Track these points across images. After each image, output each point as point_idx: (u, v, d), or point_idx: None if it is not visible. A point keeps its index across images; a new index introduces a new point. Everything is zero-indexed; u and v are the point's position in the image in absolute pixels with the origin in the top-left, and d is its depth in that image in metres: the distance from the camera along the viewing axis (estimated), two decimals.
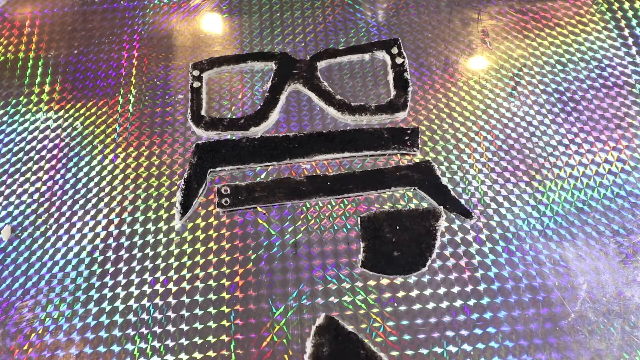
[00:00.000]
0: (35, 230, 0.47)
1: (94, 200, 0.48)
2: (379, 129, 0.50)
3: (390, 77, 0.53)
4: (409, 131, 0.50)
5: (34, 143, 0.52)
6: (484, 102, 0.52)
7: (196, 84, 0.53)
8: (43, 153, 0.51)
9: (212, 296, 0.44)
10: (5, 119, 0.53)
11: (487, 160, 0.49)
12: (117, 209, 0.48)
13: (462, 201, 0.47)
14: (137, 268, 0.45)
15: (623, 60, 0.54)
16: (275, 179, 0.48)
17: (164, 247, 0.46)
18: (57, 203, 0.48)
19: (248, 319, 0.43)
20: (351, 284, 0.44)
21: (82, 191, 0.49)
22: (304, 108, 0.52)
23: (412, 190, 0.48)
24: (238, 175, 0.49)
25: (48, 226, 0.47)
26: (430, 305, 0.43)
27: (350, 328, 0.42)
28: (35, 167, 0.50)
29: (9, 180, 0.50)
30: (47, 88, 0.55)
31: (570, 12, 0.57)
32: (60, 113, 0.53)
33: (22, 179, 0.50)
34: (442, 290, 0.43)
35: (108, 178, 0.49)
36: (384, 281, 0.44)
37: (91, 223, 0.47)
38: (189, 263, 0.45)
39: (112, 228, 0.47)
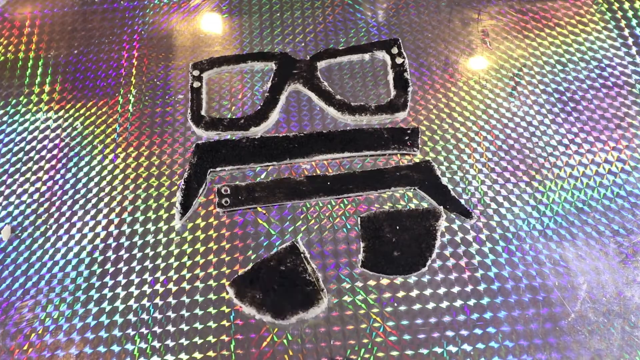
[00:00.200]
0: (35, 230, 0.47)
1: (94, 200, 0.48)
2: (379, 129, 0.50)
3: (390, 77, 0.53)
4: (409, 131, 0.50)
5: (34, 143, 0.52)
6: (484, 102, 0.52)
7: (196, 84, 0.53)
8: (43, 153, 0.51)
9: (212, 296, 0.44)
10: (5, 119, 0.53)
11: (487, 160, 0.49)
12: (117, 209, 0.48)
13: (462, 201, 0.47)
14: (137, 268, 0.45)
15: (623, 60, 0.54)
16: (275, 179, 0.48)
17: (164, 247, 0.46)
18: (57, 203, 0.48)
19: (248, 319, 0.43)
20: (351, 284, 0.44)
21: (82, 191, 0.49)
22: (304, 108, 0.52)
23: (412, 190, 0.48)
24: (238, 176, 0.49)
25: (48, 226, 0.47)
26: (430, 305, 0.43)
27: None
28: (35, 167, 0.50)
29: (9, 180, 0.50)
30: (47, 88, 0.55)
31: (570, 12, 0.57)
32: (60, 113, 0.53)
33: (22, 179, 0.50)
34: (442, 290, 0.43)
35: (108, 178, 0.49)
36: (384, 281, 0.44)
37: (91, 223, 0.47)
38: (189, 263, 0.45)
39: (112, 228, 0.47)
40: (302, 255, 0.44)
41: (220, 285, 0.44)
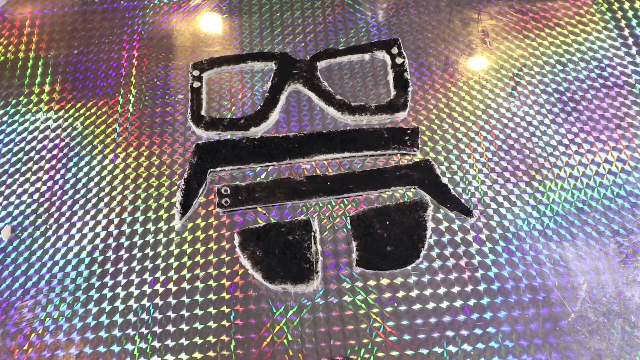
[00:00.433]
0: (35, 230, 0.47)
1: (94, 200, 0.48)
2: (379, 129, 0.50)
3: (390, 77, 0.53)
4: (409, 131, 0.50)
5: (34, 143, 0.52)
6: (484, 102, 0.52)
7: (196, 84, 0.53)
8: (43, 153, 0.51)
9: (212, 296, 0.44)
10: (5, 119, 0.53)
11: (487, 160, 0.49)
12: (117, 209, 0.48)
13: (462, 200, 0.47)
14: (137, 268, 0.45)
15: (623, 60, 0.54)
16: (275, 179, 0.48)
17: (164, 247, 0.46)
18: (57, 203, 0.48)
19: (248, 319, 0.43)
20: (351, 284, 0.44)
21: (82, 191, 0.49)
22: (304, 108, 0.52)
23: (412, 189, 0.48)
24: (238, 176, 0.49)
25: (48, 226, 0.47)
26: (430, 305, 0.43)
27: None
28: (35, 167, 0.50)
29: (9, 180, 0.50)
30: (47, 88, 0.55)
31: (570, 12, 0.57)
32: (60, 113, 0.53)
33: (22, 179, 0.50)
34: (442, 290, 0.43)
35: (108, 178, 0.49)
36: (384, 281, 0.44)
37: (91, 223, 0.47)
38: (189, 263, 0.45)
39: (112, 228, 0.47)
40: (312, 233, 0.45)
41: (220, 286, 0.44)
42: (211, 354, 0.42)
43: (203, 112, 0.52)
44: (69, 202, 0.48)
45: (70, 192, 0.49)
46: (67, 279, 0.45)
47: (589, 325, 0.42)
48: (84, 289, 0.44)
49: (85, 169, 0.50)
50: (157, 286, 0.44)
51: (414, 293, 0.43)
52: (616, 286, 0.43)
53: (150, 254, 0.46)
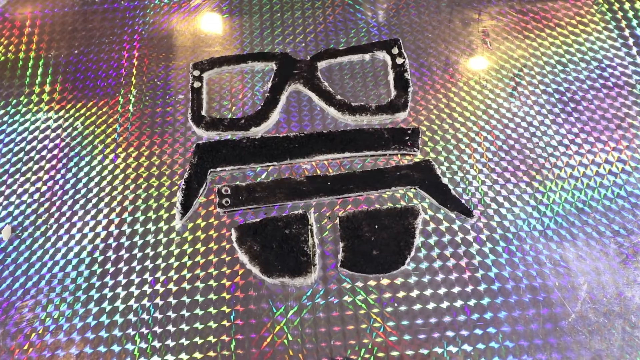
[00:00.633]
0: (36, 230, 0.47)
1: (94, 200, 0.48)
2: (380, 129, 0.50)
3: (391, 77, 0.53)
4: (409, 131, 0.50)
5: (34, 143, 0.52)
6: (484, 103, 0.52)
7: (197, 84, 0.53)
8: (43, 153, 0.51)
9: (212, 296, 0.44)
10: (5, 118, 0.53)
11: (487, 160, 0.49)
12: (118, 209, 0.48)
13: (463, 201, 0.47)
14: (138, 268, 0.45)
15: (623, 60, 0.54)
16: (276, 179, 0.48)
17: (164, 247, 0.46)
18: (58, 203, 0.48)
19: (249, 319, 0.43)
20: (351, 284, 0.44)
21: (83, 191, 0.49)
22: (305, 108, 0.52)
23: (412, 190, 0.48)
24: (238, 176, 0.49)
25: (48, 226, 0.47)
26: (431, 306, 0.43)
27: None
28: (36, 167, 0.50)
29: (10, 180, 0.50)
30: (47, 88, 0.55)
31: (571, 13, 0.57)
32: (61, 113, 0.53)
33: (22, 178, 0.50)
34: (442, 291, 0.43)
35: (108, 178, 0.49)
36: (385, 281, 0.44)
37: (92, 223, 0.47)
38: (189, 263, 0.45)
39: (112, 228, 0.47)
40: (309, 227, 0.45)
41: (220, 286, 0.44)
42: (211, 354, 0.42)
43: (203, 112, 0.52)
44: (69, 202, 0.48)
45: (71, 192, 0.49)
46: (68, 278, 0.45)
47: (589, 326, 0.42)
48: (84, 288, 0.44)
49: (86, 169, 0.50)
50: (158, 286, 0.44)
51: (415, 293, 0.43)
52: (617, 287, 0.43)
53: (151, 253, 0.46)
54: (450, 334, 0.42)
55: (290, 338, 0.42)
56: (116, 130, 0.52)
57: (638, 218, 0.46)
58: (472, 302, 0.43)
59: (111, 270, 0.45)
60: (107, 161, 0.50)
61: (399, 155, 0.49)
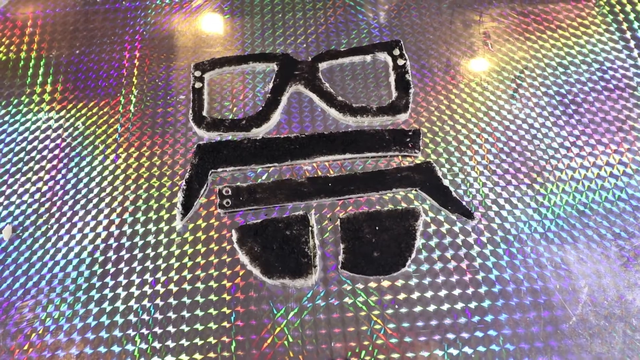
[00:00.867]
0: (37, 230, 0.47)
1: (95, 200, 0.48)
2: (381, 130, 0.50)
3: (392, 78, 0.53)
4: (410, 133, 0.50)
5: (35, 143, 0.52)
6: (485, 105, 0.52)
7: (198, 85, 0.53)
8: (44, 153, 0.51)
9: (213, 297, 0.44)
10: (7, 118, 0.53)
11: (488, 162, 0.49)
12: (119, 209, 0.48)
13: (464, 203, 0.47)
14: (138, 268, 0.45)
15: (625, 62, 0.54)
16: (277, 180, 0.48)
17: (165, 247, 0.46)
18: (59, 203, 0.48)
19: (249, 321, 0.43)
20: (352, 286, 0.44)
21: (84, 191, 0.49)
22: (306, 109, 0.52)
23: (413, 191, 0.48)
24: (239, 177, 0.49)
25: (49, 226, 0.47)
26: (432, 308, 0.43)
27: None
28: (37, 166, 0.50)
29: (10, 180, 0.50)
30: (48, 88, 0.55)
31: (572, 15, 0.57)
32: (62, 113, 0.53)
33: (23, 178, 0.50)
34: (443, 293, 0.43)
35: (109, 178, 0.49)
36: (385, 283, 0.44)
37: (92, 223, 0.47)
38: (190, 264, 0.45)
39: (113, 228, 0.47)
40: (309, 228, 0.45)
41: (221, 287, 0.44)
42: (212, 355, 0.42)
43: (204, 113, 0.52)
44: (70, 202, 0.48)
45: (72, 192, 0.49)
46: (68, 278, 0.45)
47: (590, 329, 0.42)
48: (84, 289, 0.44)
49: (87, 169, 0.50)
50: (158, 287, 0.44)
51: (415, 295, 0.43)
52: (617, 289, 0.43)
53: (151, 254, 0.46)
54: (451, 336, 0.42)
55: (290, 339, 0.42)
56: (117, 130, 0.52)
57: (639, 221, 0.46)
58: (473, 305, 0.43)
59: (112, 270, 0.45)
60: (108, 161, 0.50)
61: (400, 157, 0.49)
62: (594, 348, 0.41)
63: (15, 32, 0.58)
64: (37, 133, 0.52)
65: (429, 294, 0.43)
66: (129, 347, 0.42)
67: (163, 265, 0.45)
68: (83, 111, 0.53)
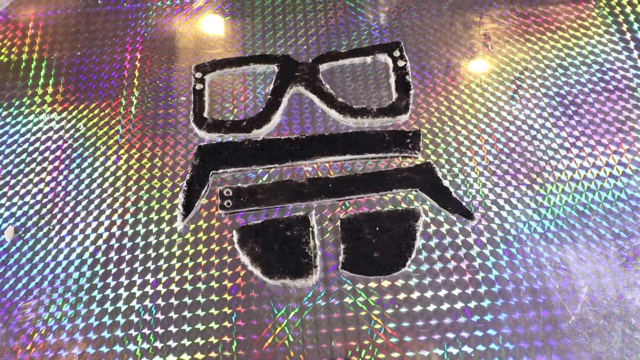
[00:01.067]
0: (38, 231, 0.48)
1: (96, 201, 0.49)
2: (381, 131, 0.51)
3: (392, 80, 0.54)
4: (410, 134, 0.51)
5: (37, 144, 0.52)
6: (485, 106, 0.53)
7: (199, 86, 0.54)
8: (46, 154, 0.52)
9: (214, 297, 0.44)
10: (8, 119, 0.54)
11: (488, 163, 0.50)
12: (120, 210, 0.48)
13: (464, 203, 0.47)
14: (140, 269, 0.46)
15: (625, 64, 0.55)
16: (277, 181, 0.49)
17: (166, 248, 0.47)
18: (60, 204, 0.49)
19: (250, 321, 0.43)
20: (352, 286, 0.45)
21: (85, 192, 0.49)
22: (306, 110, 0.53)
23: (413, 192, 0.48)
24: (240, 177, 0.50)
25: (51, 227, 0.48)
26: (431, 307, 0.43)
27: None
28: (39, 167, 0.51)
29: (12, 181, 0.50)
30: (50, 89, 0.55)
31: (572, 16, 0.58)
32: (63, 114, 0.54)
33: (25, 179, 0.50)
34: (443, 293, 0.44)
35: (110, 179, 0.50)
36: (385, 283, 0.44)
37: (94, 224, 0.48)
38: (191, 264, 0.46)
39: (114, 229, 0.48)
40: (310, 228, 0.46)
41: (222, 287, 0.45)
42: (213, 354, 0.42)
43: (205, 114, 0.53)
44: (71, 203, 0.49)
45: (73, 193, 0.49)
46: (70, 279, 0.46)
47: (589, 328, 0.42)
48: (86, 289, 0.45)
49: (88, 170, 0.51)
50: (159, 287, 0.45)
51: (415, 295, 0.44)
52: (617, 289, 0.44)
53: (153, 255, 0.46)
54: (450, 335, 0.42)
55: (291, 339, 0.43)
56: (118, 131, 0.53)
57: (638, 221, 0.47)
58: (472, 304, 0.43)
59: (113, 271, 0.46)
60: (109, 162, 0.51)
61: (400, 158, 0.50)
62: (593, 347, 0.42)
63: (17, 34, 0.59)
64: (38, 134, 0.53)
65: (428, 293, 0.44)
66: (131, 347, 0.43)
67: (164, 266, 0.46)
68: (84, 112, 0.54)
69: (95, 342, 0.43)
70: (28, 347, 0.43)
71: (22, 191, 0.50)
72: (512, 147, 0.50)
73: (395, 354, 0.42)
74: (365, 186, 0.48)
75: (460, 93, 0.53)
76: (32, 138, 0.53)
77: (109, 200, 0.49)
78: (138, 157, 0.51)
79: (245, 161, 0.50)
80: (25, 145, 0.52)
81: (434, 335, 0.42)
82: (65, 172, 0.51)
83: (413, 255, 0.45)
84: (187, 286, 0.45)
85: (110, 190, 0.50)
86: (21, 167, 0.51)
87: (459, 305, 0.43)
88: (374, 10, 0.59)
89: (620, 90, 0.53)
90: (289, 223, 0.46)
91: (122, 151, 0.51)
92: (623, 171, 0.49)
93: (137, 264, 0.46)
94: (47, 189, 0.50)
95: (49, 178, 0.50)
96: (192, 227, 0.48)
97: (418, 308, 0.43)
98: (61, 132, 0.53)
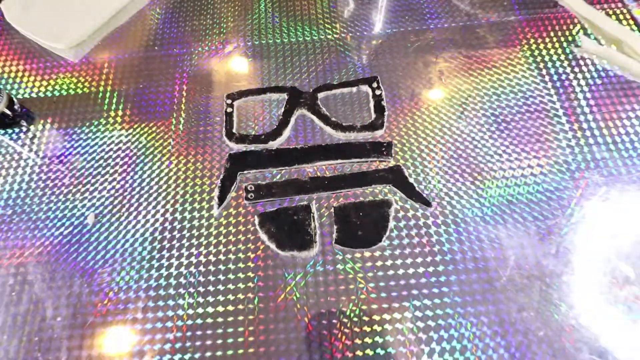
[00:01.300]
0: (112, 217, 0.48)
1: (154, 195, 0.49)
2: (363, 142, 0.51)
3: (371, 104, 0.54)
4: (385, 144, 0.50)
5: (110, 153, 0.52)
6: (440, 123, 0.52)
7: (229, 110, 0.54)
8: (117, 160, 0.51)
9: (241, 265, 0.44)
10: (90, 135, 0.53)
11: (442, 165, 0.49)
12: (172, 201, 0.48)
13: (424, 195, 0.47)
14: (186, 244, 0.46)
15: (542, 92, 0.54)
16: (287, 179, 0.49)
17: (205, 229, 0.46)
18: (128, 197, 0.49)
19: (267, 282, 0.43)
20: (343, 256, 0.44)
21: (146, 188, 0.49)
22: (308, 127, 0.53)
23: (387, 187, 0.48)
24: (260, 177, 0.49)
25: (121, 214, 0.48)
26: (401, 272, 0.43)
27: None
28: (112, 170, 0.51)
29: (93, 180, 0.50)
30: (120, 113, 0.55)
31: (503, 57, 0.57)
32: (129, 131, 0.53)
33: (102, 179, 0.50)
34: (409, 261, 0.44)
35: (165, 179, 0.50)
36: (367, 254, 0.44)
37: (153, 212, 0.48)
38: (224, 241, 0.46)
39: (168, 215, 0.47)
40: (311, 214, 0.46)
41: (247, 257, 0.45)
42: (240, 307, 0.42)
43: (234, 130, 0.52)
44: (136, 196, 0.49)
45: (137, 189, 0.49)
46: (135, 252, 0.45)
47: (516, 286, 0.42)
48: (147, 259, 0.45)
49: (148, 172, 0.50)
50: (201, 257, 0.45)
51: (389, 263, 0.44)
52: (536, 257, 0.44)
53: (196, 234, 0.46)
54: (415, 292, 0.42)
55: (298, 295, 0.43)
56: (170, 143, 0.52)
57: (551, 207, 0.46)
58: (430, 269, 0.43)
59: (167, 246, 0.46)
60: (163, 166, 0.51)
61: (377, 162, 0.50)
62: (519, 299, 0.42)
63: (96, 72, 0.59)
64: (112, 146, 0.52)
65: (398, 261, 0.44)
66: (180, 301, 0.43)
67: (204, 242, 0.46)
68: (145, 129, 0.53)
69: (154, 298, 0.43)
70: (105, 302, 0.43)
71: (100, 187, 0.50)
72: (459, 154, 0.50)
73: (374, 306, 0.42)
74: (352, 182, 0.48)
75: (422, 114, 0.53)
76: (107, 148, 0.52)
77: (163, 194, 0.49)
78: (185, 162, 0.51)
79: (263, 165, 0.50)
80: (102, 154, 0.52)
81: (402, 292, 0.42)
82: (131, 174, 0.50)
83: (387, 234, 0.45)
84: (221, 257, 0.45)
85: (164, 187, 0.49)
86: (99, 170, 0.51)
87: (421, 270, 0.43)
88: (358, 53, 0.59)
89: (538, 112, 0.53)
90: (295, 210, 0.46)
91: (172, 158, 0.51)
92: (540, 171, 0.49)
93: (184, 241, 0.46)
94: (118, 186, 0.50)
95: (119, 178, 0.50)
96: (224, 213, 0.47)
97: (391, 272, 0.43)
98: (128, 144, 0.52)
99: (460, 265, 0.43)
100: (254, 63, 0.58)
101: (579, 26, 0.59)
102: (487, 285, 0.42)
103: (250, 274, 0.44)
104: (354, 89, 0.55)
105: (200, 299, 0.43)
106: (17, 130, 0.54)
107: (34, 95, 0.56)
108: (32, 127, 0.54)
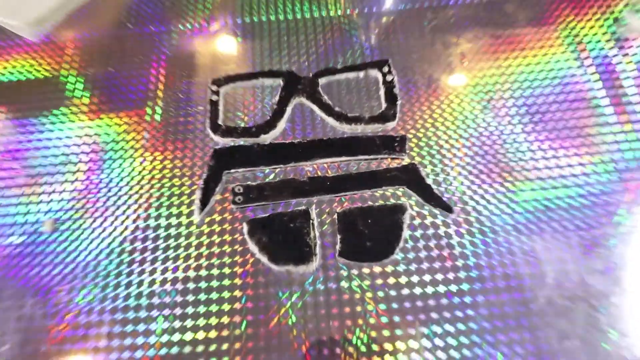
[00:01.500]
0: (73, 223, 0.44)
1: (124, 198, 0.45)
2: (372, 136, 0.48)
3: (382, 92, 0.51)
4: (397, 138, 0.47)
5: (73, 147, 0.49)
6: (462, 114, 0.49)
7: (214, 98, 0.51)
8: (81, 156, 0.48)
9: (226, 282, 0.41)
10: (48, 126, 0.50)
11: (465, 163, 0.46)
12: (144, 205, 0.45)
13: (445, 198, 0.44)
14: (161, 257, 0.42)
15: (580, 78, 0.51)
16: (282, 179, 0.46)
17: (185, 238, 0.43)
18: (93, 199, 0.45)
19: (258, 302, 0.40)
20: (348, 272, 0.41)
21: (114, 189, 0.46)
22: (307, 118, 0.50)
23: (400, 189, 0.45)
24: (249, 177, 0.46)
25: (84, 220, 0.44)
26: (417, 291, 0.40)
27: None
28: (74, 168, 0.47)
29: (51, 180, 0.47)
30: (85, 100, 0.52)
31: (536, 37, 0.54)
32: (97, 122, 0.50)
33: (62, 178, 0.47)
34: (427, 278, 0.41)
35: (137, 178, 0.47)
36: (377, 269, 0.41)
37: (122, 217, 0.44)
38: (206, 252, 0.42)
39: (139, 222, 0.44)
40: (310, 221, 0.43)
41: (233, 272, 0.41)
42: (225, 332, 0.39)
43: (220, 122, 0.49)
44: (102, 199, 0.45)
45: (104, 190, 0.46)
46: (100, 266, 0.42)
47: (555, 309, 0.39)
48: (114, 274, 0.42)
49: (117, 171, 0.47)
50: (179, 273, 0.41)
51: (403, 280, 0.41)
52: (579, 274, 0.40)
53: (173, 244, 0.43)
54: (434, 315, 0.39)
55: (294, 319, 0.39)
56: (144, 137, 0.49)
57: (596, 214, 0.43)
58: (453, 288, 0.40)
59: (138, 258, 0.42)
60: (136, 164, 0.47)
61: (389, 159, 0.47)
62: (559, 325, 0.38)
63: (58, 53, 0.55)
64: (75, 139, 0.49)
65: (414, 278, 0.40)
66: (153, 326, 0.39)
67: (183, 254, 0.42)
68: (115, 120, 0.50)
69: (121, 322, 0.40)
70: (61, 327, 0.40)
71: (60, 188, 0.46)
72: (485, 150, 0.47)
73: (386, 332, 0.38)
74: (358, 184, 0.45)
75: (441, 103, 0.50)
76: (69, 142, 0.49)
77: (135, 196, 0.46)
78: (161, 159, 0.48)
79: (254, 162, 0.46)
80: (64, 149, 0.49)
81: (419, 315, 0.39)
82: (97, 172, 0.47)
83: (401, 244, 0.42)
84: (202, 272, 0.41)
85: (136, 188, 0.46)
86: (59, 167, 0.48)
87: (441, 288, 0.40)
88: (365, 32, 0.56)
89: (577, 101, 0.50)
90: (292, 216, 0.43)
91: (147, 154, 0.48)
92: (582, 170, 0.45)
93: (159, 252, 0.42)
94: (81, 187, 0.46)
95: (83, 177, 0.47)
96: (207, 219, 0.44)
97: (406, 291, 0.40)
98: (94, 138, 0.49)
99: (489, 284, 0.40)
100: (244, 43, 0.55)
101: (625, 0, 0.56)
102: (521, 308, 0.39)
103: (237, 293, 0.40)
104: (361, 74, 0.52)
105: (177, 324, 0.39)
106: None
107: None
108: None
